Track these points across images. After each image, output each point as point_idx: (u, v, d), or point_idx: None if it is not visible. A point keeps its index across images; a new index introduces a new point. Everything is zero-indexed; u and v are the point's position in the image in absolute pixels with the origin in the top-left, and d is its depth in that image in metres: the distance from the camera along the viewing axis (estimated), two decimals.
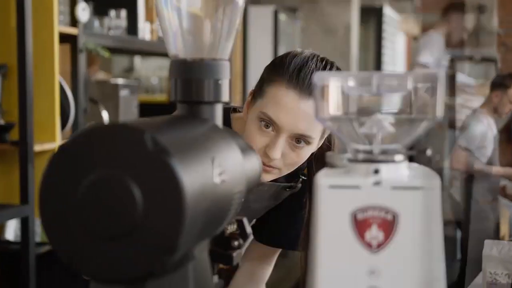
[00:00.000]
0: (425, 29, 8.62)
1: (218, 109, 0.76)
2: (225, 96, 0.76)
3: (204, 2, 0.77)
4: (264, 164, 1.25)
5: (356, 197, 0.65)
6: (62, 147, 0.61)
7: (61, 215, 0.61)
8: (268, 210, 1.49)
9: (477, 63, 6.22)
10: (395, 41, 7.95)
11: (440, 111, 0.65)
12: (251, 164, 0.80)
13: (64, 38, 2.71)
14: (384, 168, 0.66)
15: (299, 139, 1.25)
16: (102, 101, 3.10)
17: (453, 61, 4.76)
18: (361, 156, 0.67)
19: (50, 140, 2.57)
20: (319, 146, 1.33)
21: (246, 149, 0.81)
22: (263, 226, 1.52)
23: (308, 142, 1.26)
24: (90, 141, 0.60)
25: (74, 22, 2.74)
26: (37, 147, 2.46)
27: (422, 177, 0.66)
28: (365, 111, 0.69)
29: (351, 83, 0.68)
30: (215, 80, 0.75)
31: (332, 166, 0.73)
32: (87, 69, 3.74)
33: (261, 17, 5.11)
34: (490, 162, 4.39)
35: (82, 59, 2.75)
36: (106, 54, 2.82)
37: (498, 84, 4.41)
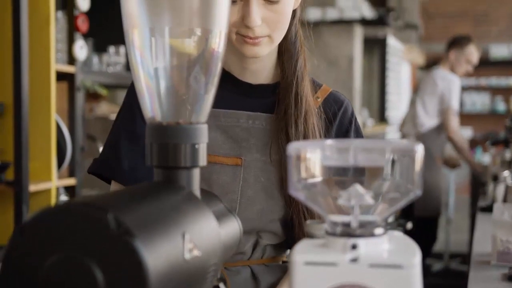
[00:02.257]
0: (429, 58, 8.62)
1: (196, 175, 0.74)
2: (202, 161, 0.74)
3: (181, 62, 0.74)
4: (250, 38, 1.20)
5: (333, 275, 0.62)
6: (23, 226, 0.58)
7: None
8: None
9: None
10: (400, 70, 7.93)
11: (418, 186, 0.63)
12: (228, 231, 0.77)
13: (62, 75, 2.70)
14: (362, 243, 0.63)
15: None
16: (102, 137, 3.08)
17: None
18: (338, 229, 0.65)
19: (46, 179, 2.55)
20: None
21: (224, 214, 0.78)
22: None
23: None
24: (52, 220, 0.58)
25: (72, 59, 2.73)
26: (33, 187, 2.43)
27: (402, 252, 0.63)
28: (343, 182, 0.66)
29: (327, 153, 0.65)
30: (192, 144, 0.72)
31: (310, 236, 0.70)
32: (90, 105, 3.72)
33: None
34: None
35: (79, 97, 2.74)
36: (103, 92, 2.80)
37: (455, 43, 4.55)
